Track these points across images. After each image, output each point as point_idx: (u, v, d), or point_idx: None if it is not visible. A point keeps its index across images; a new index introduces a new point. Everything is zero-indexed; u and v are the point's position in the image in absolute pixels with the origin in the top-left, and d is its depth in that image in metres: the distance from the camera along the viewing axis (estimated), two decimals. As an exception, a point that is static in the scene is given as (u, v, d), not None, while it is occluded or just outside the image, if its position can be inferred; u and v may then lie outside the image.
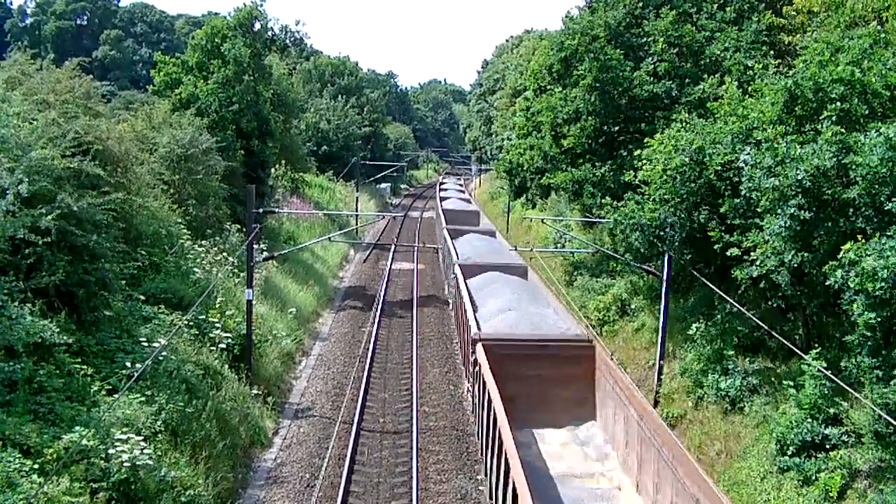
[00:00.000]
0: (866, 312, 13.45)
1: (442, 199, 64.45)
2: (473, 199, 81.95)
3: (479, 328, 21.45)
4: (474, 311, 23.66)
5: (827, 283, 14.65)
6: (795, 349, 16.28)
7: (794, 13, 26.71)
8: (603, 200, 25.64)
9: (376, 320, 32.38)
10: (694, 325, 21.81)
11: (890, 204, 14.41)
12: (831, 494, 14.58)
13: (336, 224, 53.33)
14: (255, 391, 21.76)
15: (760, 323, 18.05)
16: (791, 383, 16.66)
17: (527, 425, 19.26)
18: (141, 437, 14.10)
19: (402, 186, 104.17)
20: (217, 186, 28.69)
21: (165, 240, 22.90)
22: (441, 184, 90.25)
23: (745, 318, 19.20)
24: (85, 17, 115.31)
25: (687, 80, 27.78)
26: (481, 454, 19.14)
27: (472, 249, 35.02)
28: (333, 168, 66.56)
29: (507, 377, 18.60)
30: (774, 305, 18.71)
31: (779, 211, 16.28)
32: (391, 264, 45.57)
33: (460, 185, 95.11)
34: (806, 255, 16.00)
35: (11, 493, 11.08)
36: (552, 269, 35.99)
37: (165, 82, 35.37)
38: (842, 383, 13.80)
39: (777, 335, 17.33)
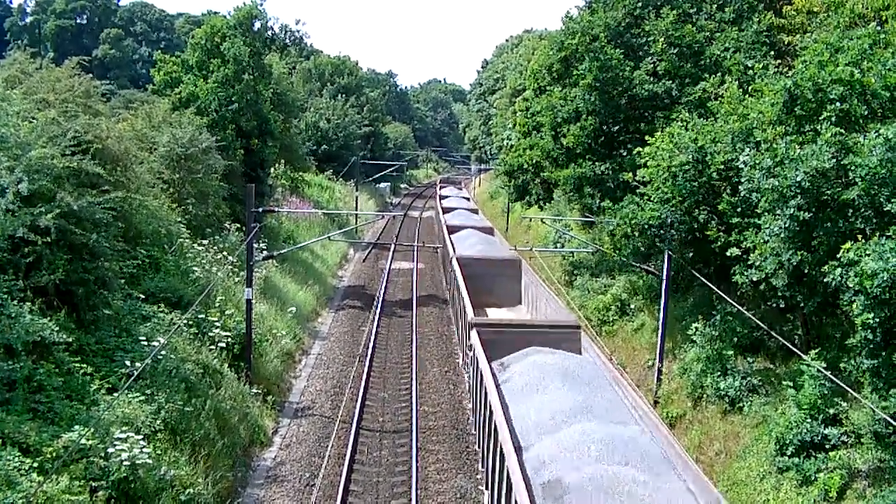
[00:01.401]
0: (865, 313, 13.46)
1: (451, 229, 41.61)
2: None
3: None
4: None
5: (826, 282, 14.65)
6: (795, 349, 16.29)
7: (794, 13, 26.69)
8: (602, 203, 25.60)
9: (376, 319, 32.37)
10: (693, 325, 21.81)
11: (889, 205, 14.39)
12: (830, 495, 14.57)
13: (335, 223, 53.30)
14: (254, 390, 21.77)
15: (760, 323, 18.05)
16: (790, 383, 16.66)
17: None
18: (140, 436, 14.11)
19: (402, 186, 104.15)
20: (217, 185, 28.66)
21: (165, 239, 22.89)
22: (442, 197, 66.65)
23: (745, 319, 19.20)
24: (85, 16, 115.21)
25: (687, 80, 27.78)
26: None
27: (542, 404, 15.04)
28: (333, 167, 66.53)
29: None
30: (774, 306, 18.71)
31: (778, 212, 16.29)
32: (391, 263, 45.57)
33: (467, 198, 71.02)
34: (805, 255, 16.01)
35: (11, 491, 11.09)
36: (552, 269, 35.98)
37: (165, 81, 35.38)
38: (841, 384, 13.80)
39: (776, 335, 17.34)
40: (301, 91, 67.77)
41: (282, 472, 18.85)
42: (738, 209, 18.49)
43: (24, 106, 18.19)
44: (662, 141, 21.71)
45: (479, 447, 18.91)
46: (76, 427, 13.11)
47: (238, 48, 34.98)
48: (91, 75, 23.89)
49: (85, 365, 15.16)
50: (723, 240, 19.09)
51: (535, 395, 15.57)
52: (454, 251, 34.47)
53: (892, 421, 12.65)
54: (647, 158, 22.04)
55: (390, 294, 38.60)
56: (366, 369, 26.12)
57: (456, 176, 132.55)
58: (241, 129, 34.42)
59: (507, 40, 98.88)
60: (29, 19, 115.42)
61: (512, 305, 29.52)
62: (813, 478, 15.13)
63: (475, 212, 55.14)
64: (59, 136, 17.36)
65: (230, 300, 24.08)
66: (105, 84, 37.91)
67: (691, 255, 21.64)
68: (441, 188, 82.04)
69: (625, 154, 27.96)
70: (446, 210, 52.79)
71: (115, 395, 14.56)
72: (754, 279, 17.29)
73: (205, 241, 25.95)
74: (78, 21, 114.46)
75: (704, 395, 20.41)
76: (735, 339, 20.65)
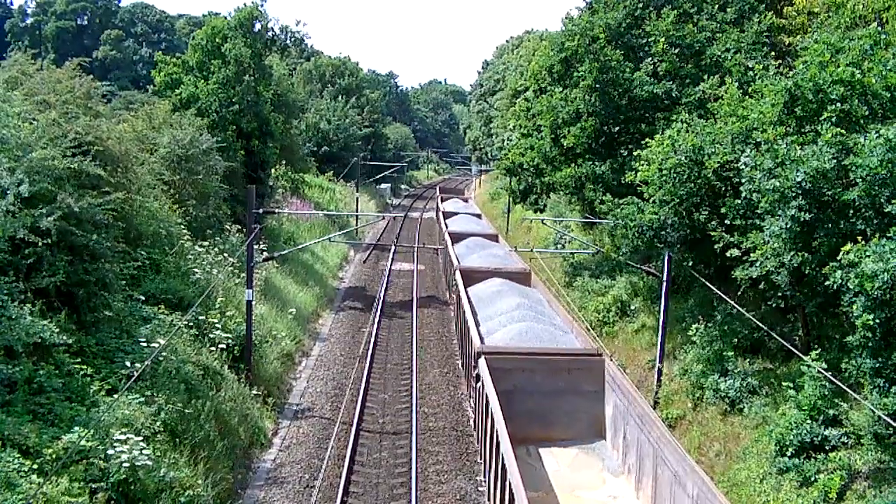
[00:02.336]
0: (865, 314, 13.45)
1: (467, 275, 28.34)
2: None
3: None
4: None
5: (827, 284, 14.65)
6: (795, 350, 16.29)
7: (795, 14, 26.70)
8: (604, 197, 25.55)
9: (376, 321, 32.35)
10: (694, 326, 21.82)
11: (890, 206, 14.40)
12: (830, 496, 14.56)
13: (336, 224, 53.32)
14: (254, 392, 21.76)
15: (760, 324, 18.05)
16: (791, 384, 16.65)
17: None
18: (140, 438, 14.10)
19: (403, 187, 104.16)
20: (217, 187, 28.68)
21: (165, 240, 22.89)
22: (447, 215, 49.65)
23: (745, 319, 19.20)
24: (85, 17, 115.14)
25: (687, 81, 27.75)
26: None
27: None
28: (333, 168, 66.56)
29: None
30: (774, 306, 18.70)
31: (779, 212, 16.29)
32: (391, 265, 45.56)
33: (478, 214, 54.35)
34: (806, 256, 16.00)
35: (10, 493, 11.08)
36: (552, 269, 35.97)
37: (166, 82, 35.40)
38: (842, 384, 13.80)
39: (777, 336, 17.33)
40: (301, 92, 67.73)
41: (282, 474, 18.84)
42: (741, 211, 18.49)
43: (24, 107, 18.22)
44: (659, 144, 21.69)
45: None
46: (76, 428, 13.11)
47: (239, 49, 35.00)
48: (92, 76, 23.92)
49: (85, 366, 15.16)
50: (724, 240, 19.08)
51: None
52: (480, 337, 20.75)
53: (891, 422, 12.64)
54: (643, 162, 22.02)
55: (391, 295, 38.60)
56: (366, 371, 26.11)
57: (456, 177, 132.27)
58: (242, 131, 34.43)
59: (507, 41, 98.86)
60: (29, 20, 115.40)
61: (585, 440, 18.24)
62: (813, 479, 15.12)
63: (495, 238, 39.62)
64: (59, 137, 17.37)
65: (230, 302, 24.09)
66: (106, 85, 38.02)
67: (691, 256, 21.63)
68: (443, 200, 63.22)
69: (625, 155, 27.96)
70: (456, 238, 37.52)
71: (115, 396, 14.55)
72: (754, 276, 17.28)
73: (205, 243, 25.94)
74: (78, 22, 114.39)
75: (704, 396, 20.40)
76: (735, 340, 20.66)
